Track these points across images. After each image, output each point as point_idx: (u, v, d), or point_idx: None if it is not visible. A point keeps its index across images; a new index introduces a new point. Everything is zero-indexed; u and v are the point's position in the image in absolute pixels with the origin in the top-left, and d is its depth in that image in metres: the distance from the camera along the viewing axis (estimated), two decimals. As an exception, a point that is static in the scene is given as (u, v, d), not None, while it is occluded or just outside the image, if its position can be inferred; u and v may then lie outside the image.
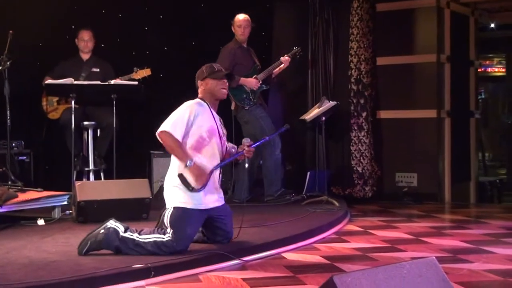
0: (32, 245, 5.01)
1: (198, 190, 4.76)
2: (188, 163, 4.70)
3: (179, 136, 4.75)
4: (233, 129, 7.30)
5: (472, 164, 9.60)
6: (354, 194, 8.53)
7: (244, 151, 5.01)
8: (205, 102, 5.00)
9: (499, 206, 9.93)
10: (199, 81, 5.06)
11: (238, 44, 7.68)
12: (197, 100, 5.01)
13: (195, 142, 4.83)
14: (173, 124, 4.77)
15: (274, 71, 7.76)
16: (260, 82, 7.61)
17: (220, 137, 4.99)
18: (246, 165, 5.18)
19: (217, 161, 4.94)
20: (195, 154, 4.79)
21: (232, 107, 7.56)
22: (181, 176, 4.76)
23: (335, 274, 2.96)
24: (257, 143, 5.23)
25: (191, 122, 4.80)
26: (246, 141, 5.11)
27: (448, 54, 8.85)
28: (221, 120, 5.16)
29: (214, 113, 5.05)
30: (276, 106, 9.10)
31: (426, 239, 5.80)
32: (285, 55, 7.75)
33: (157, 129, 4.80)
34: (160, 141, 4.81)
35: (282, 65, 7.72)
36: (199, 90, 5.08)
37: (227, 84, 5.11)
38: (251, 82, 7.54)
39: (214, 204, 4.90)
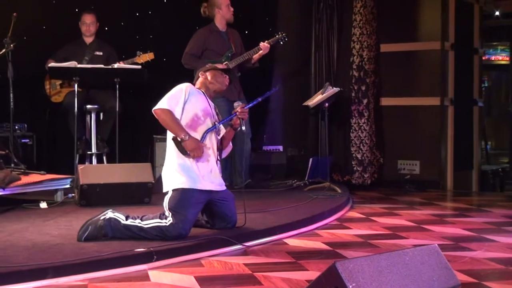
0: (35, 227, 5.01)
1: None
2: (183, 136, 4.70)
3: (175, 111, 4.76)
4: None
5: (475, 153, 9.60)
6: (353, 180, 8.53)
7: (238, 113, 5.00)
8: (201, 91, 5.03)
9: (501, 194, 9.93)
10: (200, 72, 5.09)
11: (214, 28, 7.50)
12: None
13: (190, 121, 4.82)
14: (169, 100, 4.78)
15: (254, 57, 7.43)
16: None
17: (215, 121, 4.98)
18: (243, 128, 5.04)
19: (212, 143, 4.94)
20: (190, 132, 4.79)
21: None
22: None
23: (338, 260, 2.96)
24: (249, 105, 5.17)
25: (186, 99, 4.81)
26: (237, 103, 5.09)
27: (452, 41, 8.83)
28: (216, 109, 5.15)
29: (209, 100, 5.06)
30: (279, 92, 9.10)
31: (428, 226, 5.80)
32: (265, 41, 7.41)
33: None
34: (156, 117, 4.80)
35: (261, 51, 7.40)
36: (198, 81, 5.11)
37: (228, 80, 5.16)
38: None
39: (213, 187, 4.87)
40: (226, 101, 7.01)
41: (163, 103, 4.77)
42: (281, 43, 7.58)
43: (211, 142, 4.92)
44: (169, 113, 4.74)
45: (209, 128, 4.88)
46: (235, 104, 5.11)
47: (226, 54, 7.38)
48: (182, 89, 4.85)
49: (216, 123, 4.96)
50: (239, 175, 7.46)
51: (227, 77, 5.16)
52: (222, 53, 7.38)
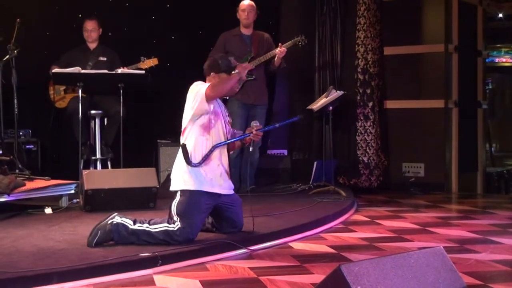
0: (40, 233, 5.02)
1: (196, 165, 4.74)
2: (236, 75, 4.83)
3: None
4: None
5: (479, 155, 9.58)
6: (360, 184, 8.51)
7: (252, 134, 4.98)
8: None
9: (506, 196, 9.90)
10: (212, 73, 5.04)
11: (237, 32, 7.57)
12: None
13: (207, 121, 4.82)
14: (202, 89, 4.77)
15: (275, 61, 7.43)
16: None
17: (225, 122, 4.98)
18: (251, 149, 5.08)
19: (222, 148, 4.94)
20: (205, 134, 4.79)
21: None
22: (184, 146, 4.76)
23: (343, 263, 2.96)
24: (265, 128, 5.22)
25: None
26: (255, 124, 5.06)
27: (456, 44, 8.82)
28: (226, 110, 5.16)
29: (220, 101, 5.06)
30: (283, 96, 9.09)
31: (433, 229, 5.79)
32: (282, 45, 7.40)
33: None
34: (213, 96, 4.76)
35: (278, 55, 7.38)
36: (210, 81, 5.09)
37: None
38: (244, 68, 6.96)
39: (221, 191, 4.87)
40: (241, 104, 7.07)
41: (204, 91, 4.72)
42: (300, 45, 7.59)
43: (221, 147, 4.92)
44: (212, 85, 4.75)
45: (219, 144, 4.86)
46: (253, 123, 5.07)
47: (246, 57, 7.43)
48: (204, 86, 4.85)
49: (227, 139, 4.93)
50: (244, 181, 7.45)
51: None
52: (242, 56, 7.42)
